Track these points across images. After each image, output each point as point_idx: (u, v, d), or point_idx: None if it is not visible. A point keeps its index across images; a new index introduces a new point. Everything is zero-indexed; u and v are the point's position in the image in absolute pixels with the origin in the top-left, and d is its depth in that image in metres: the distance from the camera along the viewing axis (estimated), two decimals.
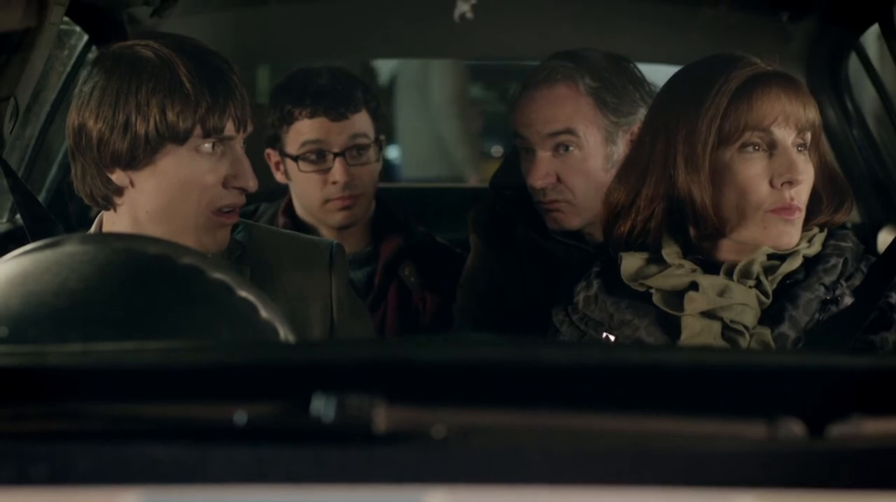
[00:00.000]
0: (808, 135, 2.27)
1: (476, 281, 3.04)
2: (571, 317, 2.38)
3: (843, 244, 2.32)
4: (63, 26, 3.15)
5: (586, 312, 2.36)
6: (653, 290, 2.28)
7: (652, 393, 1.33)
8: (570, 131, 2.81)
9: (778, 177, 2.24)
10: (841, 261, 2.29)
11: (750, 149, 2.25)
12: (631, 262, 2.32)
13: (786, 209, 2.26)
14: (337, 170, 3.09)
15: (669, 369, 1.39)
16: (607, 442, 1.28)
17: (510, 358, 1.38)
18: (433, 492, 1.17)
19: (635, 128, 2.80)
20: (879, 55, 3.64)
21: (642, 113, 2.80)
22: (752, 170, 2.25)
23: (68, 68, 3.41)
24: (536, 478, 1.20)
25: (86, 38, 3.39)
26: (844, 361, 1.54)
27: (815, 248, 2.31)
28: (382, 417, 1.24)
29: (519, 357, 1.39)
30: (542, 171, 2.83)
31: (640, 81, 2.90)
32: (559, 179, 2.82)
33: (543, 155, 2.83)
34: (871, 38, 3.64)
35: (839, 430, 1.27)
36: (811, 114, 2.27)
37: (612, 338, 2.30)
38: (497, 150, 10.57)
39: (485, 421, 1.27)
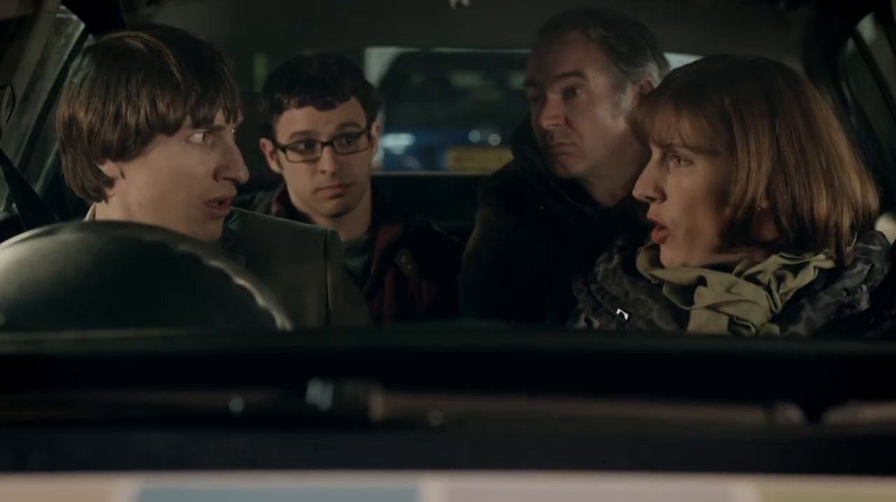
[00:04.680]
0: (678, 151, 2.22)
1: (483, 251, 3.09)
2: (589, 286, 2.37)
3: (872, 247, 2.26)
4: (60, 15, 3.14)
5: (604, 285, 2.35)
6: (664, 283, 2.27)
7: (649, 380, 1.33)
8: (578, 73, 2.89)
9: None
10: (868, 267, 2.23)
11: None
12: (645, 257, 2.31)
13: (651, 221, 2.27)
14: (325, 159, 3.07)
15: (667, 356, 1.40)
16: (604, 429, 1.28)
17: (507, 345, 1.38)
18: (430, 479, 1.17)
19: (644, 81, 2.90)
20: (877, 43, 3.64)
21: (652, 67, 2.92)
22: None
23: (65, 57, 3.40)
24: (533, 465, 1.19)
25: (82, 26, 3.39)
26: (842, 348, 1.54)
27: (831, 263, 2.23)
28: (379, 404, 1.24)
29: (516, 344, 1.39)
30: (551, 113, 2.89)
31: (652, 39, 2.98)
32: (567, 122, 2.89)
33: (553, 97, 2.90)
34: (869, 25, 3.63)
35: (837, 416, 1.27)
36: (684, 133, 2.21)
37: (626, 315, 2.29)
38: (495, 139, 10.60)
39: (482, 407, 1.27)
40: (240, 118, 2.31)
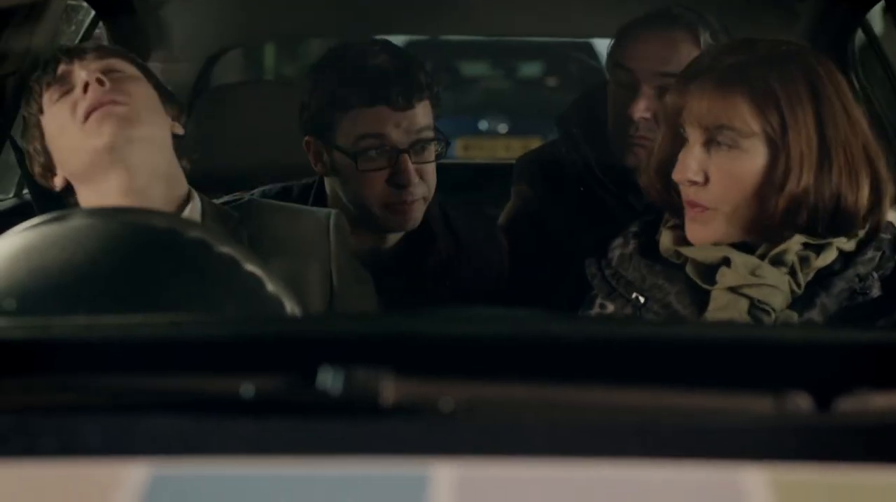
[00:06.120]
0: (725, 134, 2.18)
1: (518, 224, 3.11)
2: (604, 271, 2.37)
3: (883, 236, 2.26)
4: (70, 2, 3.15)
5: (619, 269, 2.34)
6: (687, 261, 2.26)
7: (658, 367, 1.33)
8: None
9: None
10: (879, 254, 2.24)
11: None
12: (669, 236, 2.31)
13: (689, 204, 2.25)
14: (401, 169, 2.68)
15: (675, 343, 1.39)
16: (614, 416, 1.28)
17: (517, 332, 1.38)
18: (440, 465, 1.17)
19: None
20: (886, 33, 3.64)
21: None
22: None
23: (75, 44, 3.41)
24: (544, 452, 1.20)
25: (92, 14, 3.39)
26: (852, 335, 1.54)
27: (853, 245, 2.24)
28: (389, 390, 1.25)
29: (526, 331, 1.39)
30: (643, 105, 2.91)
31: None
32: (655, 118, 2.87)
33: (648, 91, 2.92)
34: (878, 16, 3.63)
35: (847, 404, 1.27)
36: (733, 116, 2.18)
37: (641, 299, 2.29)
38: (503, 128, 10.59)
39: (493, 394, 1.27)
40: (89, 60, 2.41)
